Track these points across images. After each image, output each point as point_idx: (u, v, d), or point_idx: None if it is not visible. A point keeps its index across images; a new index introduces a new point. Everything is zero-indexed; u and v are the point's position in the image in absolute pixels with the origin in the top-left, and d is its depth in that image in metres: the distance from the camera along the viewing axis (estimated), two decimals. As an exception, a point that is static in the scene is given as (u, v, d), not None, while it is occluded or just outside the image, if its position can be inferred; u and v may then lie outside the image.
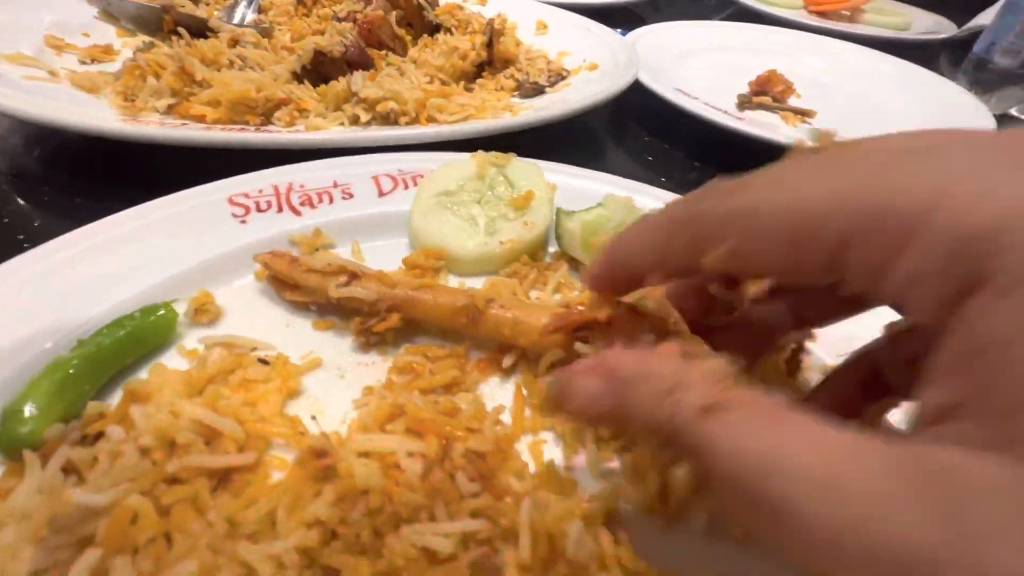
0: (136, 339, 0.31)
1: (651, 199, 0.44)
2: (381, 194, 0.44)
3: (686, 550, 0.25)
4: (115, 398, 0.28)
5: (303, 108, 0.54)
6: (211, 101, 0.51)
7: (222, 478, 0.25)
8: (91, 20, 0.70)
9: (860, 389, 0.24)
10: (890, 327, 0.23)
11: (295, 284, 0.33)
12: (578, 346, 0.25)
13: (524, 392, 0.31)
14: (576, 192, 0.45)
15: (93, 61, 0.66)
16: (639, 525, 0.26)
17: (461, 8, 0.79)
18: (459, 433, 0.27)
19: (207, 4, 0.81)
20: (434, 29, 0.73)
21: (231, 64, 0.57)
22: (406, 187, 0.45)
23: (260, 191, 0.41)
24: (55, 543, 0.20)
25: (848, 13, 1.22)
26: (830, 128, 0.54)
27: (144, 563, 0.19)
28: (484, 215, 0.42)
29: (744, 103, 0.74)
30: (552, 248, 0.43)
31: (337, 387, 0.31)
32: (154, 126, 0.47)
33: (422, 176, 0.44)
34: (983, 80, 0.85)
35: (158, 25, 0.58)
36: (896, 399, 0.23)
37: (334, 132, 0.52)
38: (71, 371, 0.28)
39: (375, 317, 0.31)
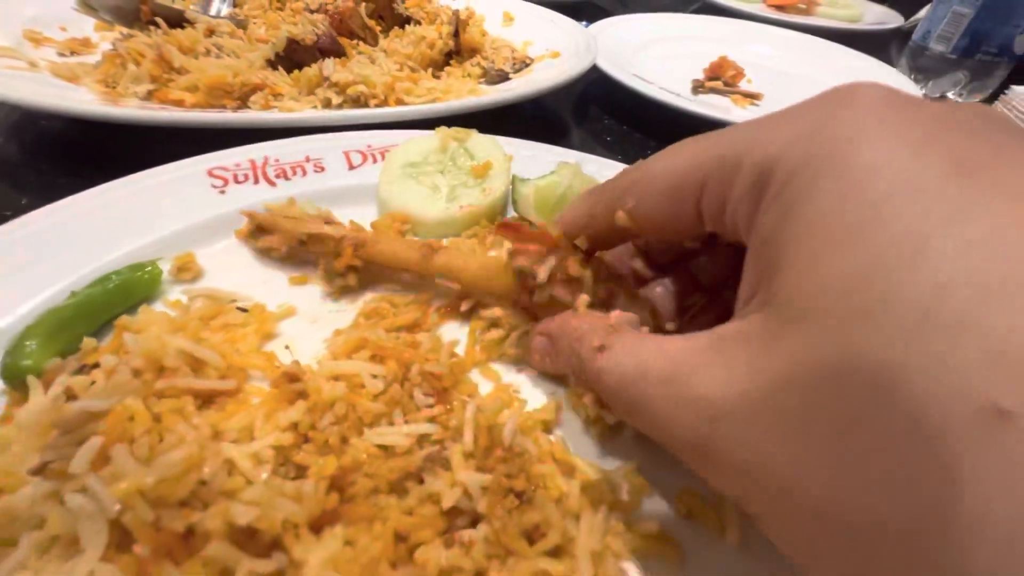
0: (124, 290, 0.34)
1: (598, 166, 0.48)
2: (351, 167, 0.47)
3: (617, 452, 0.29)
4: (107, 342, 0.31)
5: (277, 92, 0.57)
6: (189, 87, 0.54)
7: (205, 400, 0.28)
8: (68, 14, 0.72)
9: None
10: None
11: (273, 228, 0.37)
12: (518, 263, 0.29)
13: (477, 332, 0.35)
14: (533, 163, 0.49)
15: (72, 53, 0.69)
16: (577, 433, 0.30)
17: (430, 1, 0.82)
18: (417, 360, 0.30)
19: (183, -1, 0.83)
20: (404, 21, 0.76)
21: (208, 52, 0.59)
22: (375, 161, 0.48)
23: (237, 164, 0.44)
24: (61, 442, 0.23)
25: (804, 7, 1.29)
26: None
27: (139, 451, 0.22)
28: (446, 184, 0.45)
29: (698, 88, 0.79)
30: (511, 213, 0.47)
31: (309, 331, 0.35)
32: (137, 109, 0.50)
33: (389, 151, 0.48)
34: (922, 66, 0.91)
35: (136, 16, 0.61)
36: None
37: (308, 112, 0.55)
38: (66, 316, 0.31)
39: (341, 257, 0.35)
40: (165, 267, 0.37)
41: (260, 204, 0.43)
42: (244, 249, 0.40)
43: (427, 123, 0.54)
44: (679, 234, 0.25)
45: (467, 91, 0.63)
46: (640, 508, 0.27)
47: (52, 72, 0.58)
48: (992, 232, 0.13)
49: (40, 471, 0.22)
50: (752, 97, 0.77)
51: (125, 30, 0.61)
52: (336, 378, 0.29)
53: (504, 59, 0.74)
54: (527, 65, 0.74)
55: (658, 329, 0.28)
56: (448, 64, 0.72)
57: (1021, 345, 0.12)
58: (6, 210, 0.47)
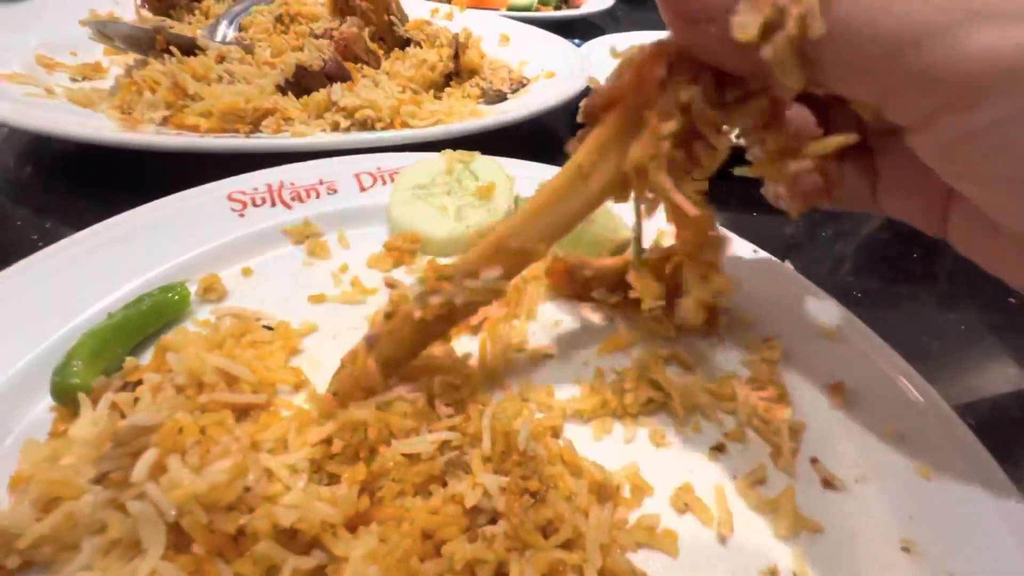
0: (157, 311, 0.36)
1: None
2: (362, 189, 0.50)
3: (620, 455, 0.32)
4: (145, 359, 0.34)
5: (288, 117, 0.60)
6: (204, 112, 0.57)
7: (241, 413, 0.31)
8: (77, 39, 0.75)
9: None
10: None
11: None
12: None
13: (488, 345, 0.38)
14: (533, 183, 0.52)
15: (84, 78, 0.71)
16: (582, 437, 0.32)
17: (429, 23, 0.86)
18: (440, 372, 0.33)
19: (189, 24, 0.86)
20: (404, 43, 0.79)
21: (220, 79, 0.62)
22: (384, 183, 0.51)
23: (255, 189, 0.47)
24: (115, 454, 0.25)
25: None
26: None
27: (190, 461, 0.25)
28: (453, 204, 0.48)
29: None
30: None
31: (332, 346, 0.37)
32: (156, 135, 0.53)
33: (398, 173, 0.51)
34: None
35: (150, 44, 0.63)
36: None
37: (318, 137, 0.58)
38: (106, 336, 0.33)
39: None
40: (192, 288, 0.39)
41: (278, 227, 0.45)
42: (264, 268, 0.43)
43: (432, 143, 0.57)
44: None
45: (468, 112, 0.66)
46: (642, 504, 0.29)
47: (68, 99, 0.60)
48: None
49: (100, 480, 0.25)
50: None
51: (138, 57, 0.64)
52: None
53: (502, 80, 0.77)
54: (523, 85, 0.77)
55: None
56: (448, 85, 0.75)
57: None
58: (32, 234, 0.50)
